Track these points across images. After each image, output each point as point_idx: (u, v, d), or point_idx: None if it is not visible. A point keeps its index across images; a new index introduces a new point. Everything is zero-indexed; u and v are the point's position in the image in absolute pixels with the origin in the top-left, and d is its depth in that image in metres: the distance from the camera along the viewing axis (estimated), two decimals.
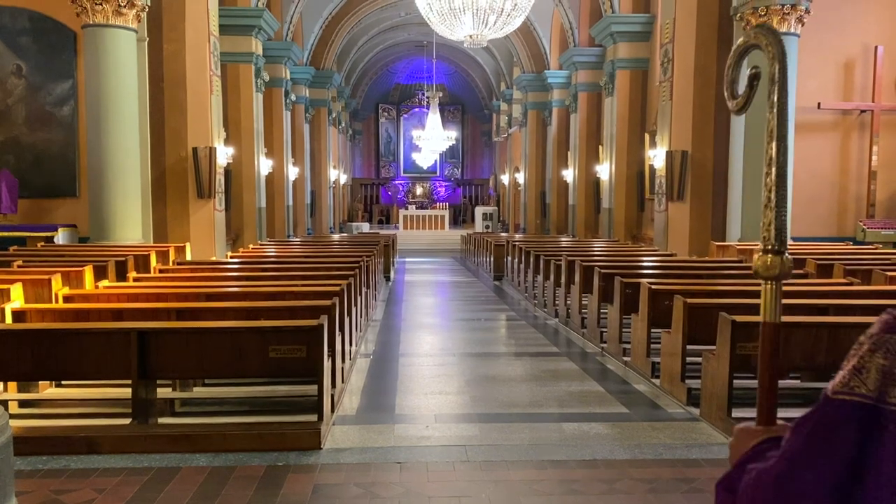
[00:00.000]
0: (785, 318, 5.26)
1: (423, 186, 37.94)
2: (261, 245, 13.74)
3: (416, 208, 32.48)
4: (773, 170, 1.49)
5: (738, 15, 11.52)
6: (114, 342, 4.56)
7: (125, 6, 10.97)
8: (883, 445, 0.98)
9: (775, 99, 1.46)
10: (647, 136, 16.71)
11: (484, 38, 9.77)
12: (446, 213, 30.30)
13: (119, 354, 4.54)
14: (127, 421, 4.61)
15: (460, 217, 36.35)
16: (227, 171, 14.77)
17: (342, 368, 6.02)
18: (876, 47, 12.48)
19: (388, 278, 15.27)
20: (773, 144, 1.49)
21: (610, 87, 17.86)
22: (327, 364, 4.90)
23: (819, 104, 12.39)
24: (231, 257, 10.72)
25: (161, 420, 4.88)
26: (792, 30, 11.03)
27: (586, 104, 20.16)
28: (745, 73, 1.58)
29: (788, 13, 10.93)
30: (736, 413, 4.91)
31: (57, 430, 4.57)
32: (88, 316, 5.34)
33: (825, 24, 12.13)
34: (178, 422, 4.92)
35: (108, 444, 4.32)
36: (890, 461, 0.97)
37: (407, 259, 20.78)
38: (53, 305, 5.59)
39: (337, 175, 28.33)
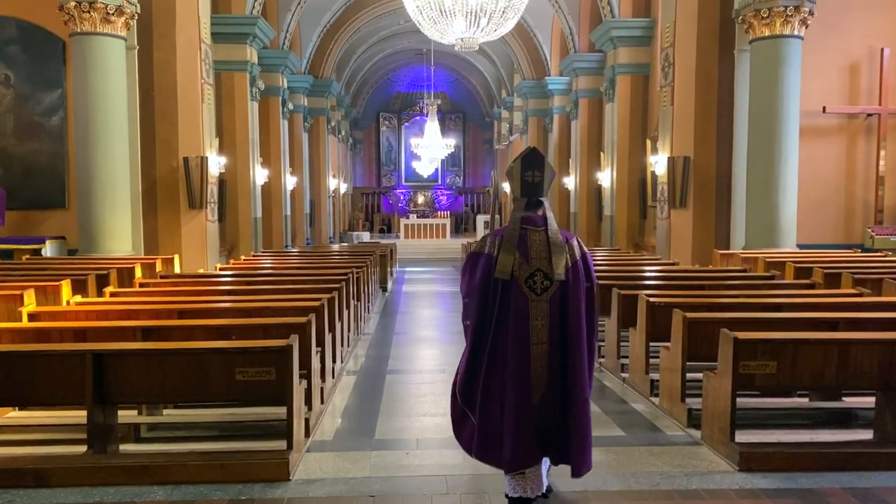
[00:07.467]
0: (792, 335, 4.91)
1: (424, 195, 37.61)
2: (254, 256, 13.44)
3: (418, 217, 32.15)
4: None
5: (740, 18, 11.20)
6: (68, 365, 4.23)
7: (113, 14, 10.74)
8: (490, 265, 3.64)
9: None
10: (648, 142, 16.38)
11: (476, 40, 9.46)
12: (447, 222, 29.91)
13: (73, 378, 4.22)
14: (83, 449, 4.29)
15: (462, 226, 35.98)
16: (222, 182, 14.49)
17: (321, 388, 5.70)
18: (882, 49, 12.14)
19: (384, 289, 14.93)
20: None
21: (611, 93, 17.54)
22: (299, 387, 4.58)
23: (824, 108, 12.06)
24: (221, 269, 10.38)
25: (123, 447, 4.56)
26: (795, 32, 10.70)
27: (587, 110, 19.85)
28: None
29: (792, 15, 10.60)
30: (739, 437, 4.56)
31: (3, 461, 4.24)
32: (50, 336, 5.03)
33: (830, 26, 11.80)
34: (137, 450, 4.58)
35: (59, 477, 3.99)
36: (486, 268, 3.64)
37: (407, 269, 20.45)
38: (14, 324, 5.27)
39: (336, 184, 28.02)
